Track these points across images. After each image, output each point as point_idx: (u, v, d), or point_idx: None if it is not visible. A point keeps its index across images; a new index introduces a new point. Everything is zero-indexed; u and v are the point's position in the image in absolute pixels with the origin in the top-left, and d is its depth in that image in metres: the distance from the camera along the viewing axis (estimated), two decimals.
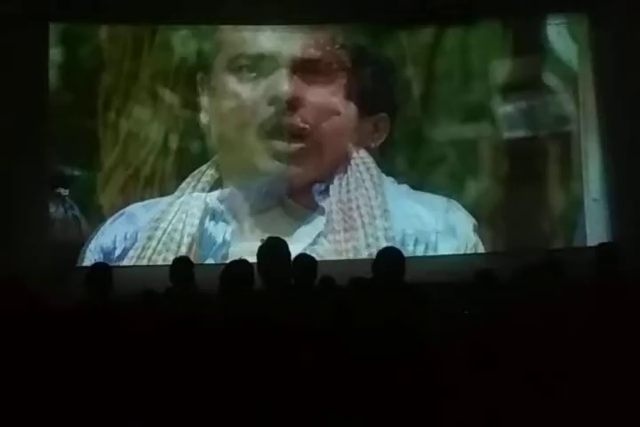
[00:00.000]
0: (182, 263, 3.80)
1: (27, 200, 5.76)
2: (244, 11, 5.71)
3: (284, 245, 2.94)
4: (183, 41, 6.00)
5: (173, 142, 5.92)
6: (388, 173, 5.91)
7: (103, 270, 3.51)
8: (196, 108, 5.92)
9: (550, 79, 6.32)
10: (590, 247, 3.92)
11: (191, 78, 5.95)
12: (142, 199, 5.91)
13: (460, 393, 2.61)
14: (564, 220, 6.16)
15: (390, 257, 3.01)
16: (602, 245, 4.04)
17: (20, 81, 5.72)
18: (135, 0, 5.82)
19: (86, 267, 3.72)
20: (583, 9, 6.41)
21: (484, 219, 5.98)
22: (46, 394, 2.65)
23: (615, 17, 6.12)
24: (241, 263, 3.11)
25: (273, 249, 2.92)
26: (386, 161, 5.91)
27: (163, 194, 5.91)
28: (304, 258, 3.47)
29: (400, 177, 5.89)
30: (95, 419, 2.60)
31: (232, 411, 2.43)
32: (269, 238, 3.05)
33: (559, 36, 6.33)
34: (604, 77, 6.30)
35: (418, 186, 5.92)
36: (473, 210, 5.96)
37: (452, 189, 6.00)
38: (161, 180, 5.90)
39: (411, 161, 5.94)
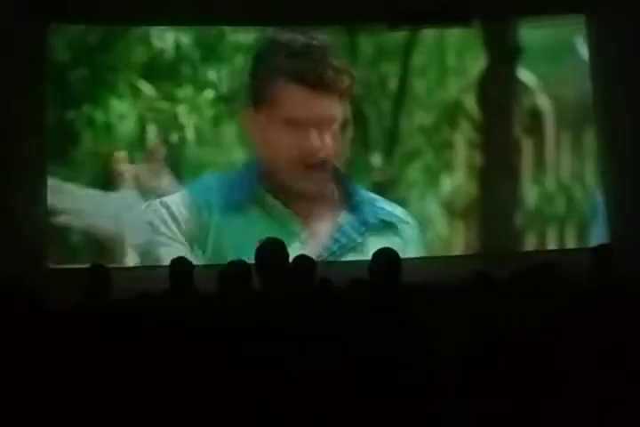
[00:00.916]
0: (181, 263, 3.80)
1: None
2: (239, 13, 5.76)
3: (282, 246, 2.93)
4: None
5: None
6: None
7: (101, 271, 3.51)
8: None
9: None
10: (588, 248, 3.91)
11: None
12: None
13: (458, 393, 2.62)
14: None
15: (386, 258, 3.00)
16: (600, 246, 4.04)
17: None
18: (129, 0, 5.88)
19: (85, 267, 3.70)
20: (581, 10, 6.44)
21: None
22: (44, 395, 2.65)
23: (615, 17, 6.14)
24: (239, 264, 3.11)
25: (270, 250, 2.92)
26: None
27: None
28: (302, 259, 3.47)
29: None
30: (94, 420, 2.60)
31: (231, 411, 2.43)
32: (267, 239, 3.05)
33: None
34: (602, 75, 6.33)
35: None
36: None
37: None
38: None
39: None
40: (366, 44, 5.68)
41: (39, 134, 5.98)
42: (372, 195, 4.87)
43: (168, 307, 3.34)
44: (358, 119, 4.95)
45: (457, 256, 5.99)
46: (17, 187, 5.77)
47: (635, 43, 6.08)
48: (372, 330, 2.63)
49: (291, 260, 3.05)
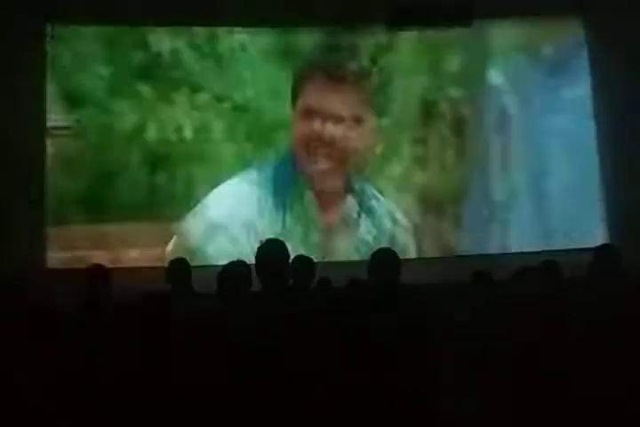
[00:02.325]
0: (179, 264, 3.80)
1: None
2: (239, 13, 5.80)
3: (283, 246, 2.93)
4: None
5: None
6: None
7: (101, 271, 3.51)
8: None
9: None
10: (589, 248, 3.91)
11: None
12: None
13: (458, 392, 2.61)
14: None
15: (385, 258, 3.00)
16: (601, 246, 4.04)
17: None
18: (131, 2, 5.89)
19: (85, 268, 3.70)
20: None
21: None
22: (43, 394, 2.65)
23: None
24: (239, 264, 3.11)
25: (271, 250, 2.91)
26: None
27: None
28: (302, 259, 3.48)
29: None
30: (93, 419, 2.60)
31: (231, 411, 2.43)
32: (268, 240, 3.05)
33: None
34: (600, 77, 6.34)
35: None
36: None
37: None
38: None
39: None
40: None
41: (39, 134, 5.99)
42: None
43: (167, 307, 3.34)
44: None
45: (456, 257, 6.02)
46: (16, 186, 5.77)
47: (635, 43, 6.08)
48: (372, 330, 2.63)
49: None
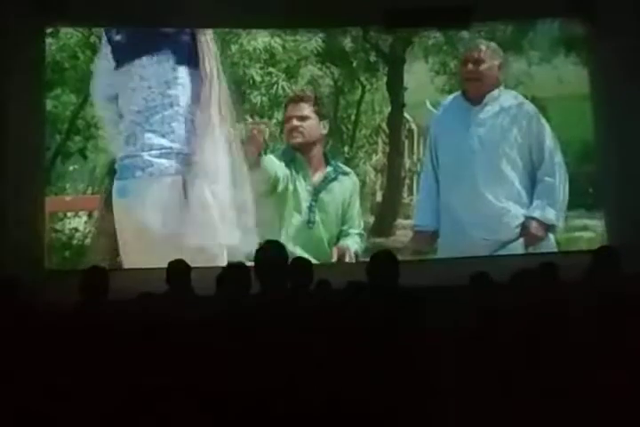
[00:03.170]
0: (179, 266, 3.80)
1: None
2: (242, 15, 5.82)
3: (281, 248, 2.93)
4: None
5: None
6: None
7: (99, 273, 3.50)
8: None
9: None
10: (589, 250, 3.91)
11: None
12: None
13: (455, 395, 2.61)
14: None
15: (384, 261, 3.01)
16: (601, 248, 4.04)
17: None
18: (132, 3, 5.89)
19: (83, 269, 3.70)
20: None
21: None
22: (40, 395, 2.65)
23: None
24: (238, 266, 3.11)
25: (270, 252, 2.91)
26: None
27: None
28: (300, 261, 3.49)
29: None
30: (92, 419, 2.60)
31: (230, 412, 2.43)
32: (267, 242, 3.06)
33: None
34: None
35: None
36: None
37: None
38: None
39: None
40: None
41: (39, 134, 5.99)
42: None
43: (166, 309, 3.34)
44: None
45: (455, 258, 6.05)
46: (16, 187, 5.76)
47: (635, 43, 6.08)
48: (370, 332, 2.63)
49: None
